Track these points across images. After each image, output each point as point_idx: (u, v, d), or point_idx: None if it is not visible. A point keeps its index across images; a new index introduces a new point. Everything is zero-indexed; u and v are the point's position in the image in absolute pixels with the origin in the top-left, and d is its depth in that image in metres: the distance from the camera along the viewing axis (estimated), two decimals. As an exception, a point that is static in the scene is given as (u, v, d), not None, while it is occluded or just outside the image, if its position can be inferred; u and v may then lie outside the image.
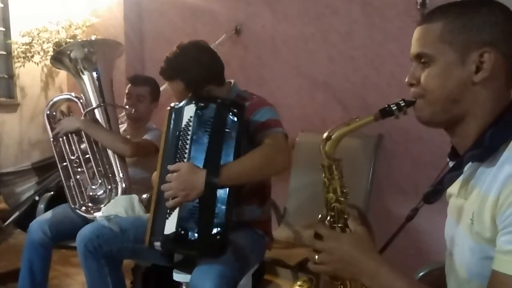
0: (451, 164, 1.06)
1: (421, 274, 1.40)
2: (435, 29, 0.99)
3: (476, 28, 0.96)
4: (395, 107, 1.05)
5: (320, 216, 1.16)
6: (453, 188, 1.04)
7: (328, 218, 1.15)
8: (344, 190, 1.15)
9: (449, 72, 0.98)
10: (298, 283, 1.26)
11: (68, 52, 2.57)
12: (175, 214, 1.76)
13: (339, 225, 1.12)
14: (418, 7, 2.53)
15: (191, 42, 2.01)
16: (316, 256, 1.05)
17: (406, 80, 1.05)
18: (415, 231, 2.59)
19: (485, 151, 0.95)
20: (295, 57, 3.24)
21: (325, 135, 1.13)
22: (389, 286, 0.94)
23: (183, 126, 1.85)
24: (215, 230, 1.72)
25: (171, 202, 1.77)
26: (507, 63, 0.96)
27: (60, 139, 2.57)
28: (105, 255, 1.96)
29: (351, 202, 1.20)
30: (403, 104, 1.05)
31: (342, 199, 1.14)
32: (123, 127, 2.90)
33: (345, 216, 1.13)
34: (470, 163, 0.99)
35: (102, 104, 2.58)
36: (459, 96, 0.98)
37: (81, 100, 2.61)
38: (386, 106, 1.06)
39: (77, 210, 2.52)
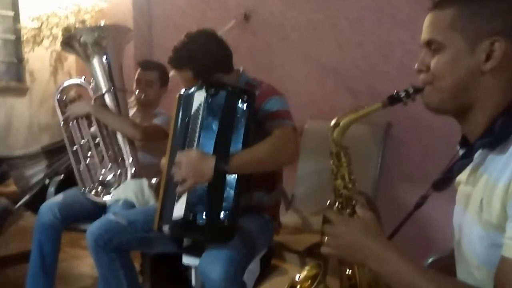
0: (461, 152, 1.06)
1: (429, 261, 1.41)
2: (446, 16, 0.99)
3: (487, 17, 0.95)
4: (404, 94, 1.05)
5: (328, 202, 1.17)
6: (462, 176, 1.04)
7: (336, 204, 1.16)
8: (352, 177, 1.16)
9: (459, 60, 0.98)
10: (307, 268, 1.27)
11: (78, 37, 2.59)
12: (183, 199, 1.78)
13: (347, 211, 1.13)
14: (428, -7, 2.50)
15: (199, 30, 2.01)
16: (325, 239, 1.07)
17: (416, 66, 1.05)
18: (424, 220, 2.59)
19: (495, 139, 0.95)
20: (304, 44, 3.23)
21: (333, 122, 1.14)
22: (396, 270, 0.95)
23: (192, 112, 1.86)
24: (223, 215, 1.74)
25: (180, 187, 1.79)
26: None
27: (70, 123, 2.59)
28: (115, 248, 1.98)
29: (360, 190, 1.21)
30: (412, 91, 1.04)
31: (350, 185, 1.15)
32: (132, 112, 2.92)
33: (353, 202, 1.14)
34: (480, 151, 0.99)
35: (112, 88, 2.60)
36: (468, 85, 0.98)
37: (91, 85, 2.63)
38: (395, 92, 1.06)
39: (87, 194, 2.55)
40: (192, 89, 1.91)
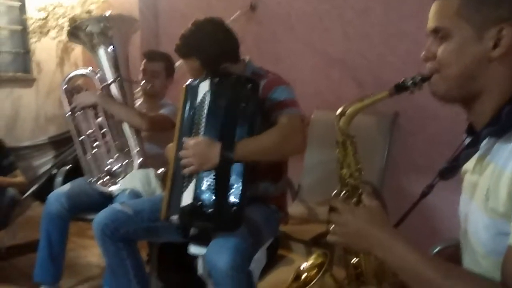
0: (467, 140, 1.06)
1: (435, 251, 1.41)
2: (452, 4, 0.98)
3: (494, 4, 0.95)
4: (411, 82, 1.05)
5: (335, 192, 1.18)
6: (469, 165, 1.04)
7: (342, 193, 1.16)
8: (358, 166, 1.16)
9: (466, 47, 0.97)
10: (313, 257, 1.28)
11: (84, 27, 2.59)
12: (191, 187, 1.79)
13: (353, 200, 1.14)
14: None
15: (206, 19, 2.00)
16: (331, 228, 1.07)
17: (422, 54, 1.05)
18: (430, 210, 2.59)
19: (502, 127, 0.94)
20: (310, 34, 3.22)
21: (339, 110, 1.14)
22: (402, 258, 0.95)
23: (198, 102, 1.86)
24: (230, 203, 1.75)
25: (187, 169, 1.80)
26: None
27: (77, 113, 2.60)
28: (122, 238, 1.99)
29: (366, 180, 1.21)
30: (419, 79, 1.04)
31: (356, 174, 1.15)
32: (138, 102, 2.92)
33: (359, 191, 1.14)
34: (486, 140, 0.98)
35: (118, 78, 2.60)
36: (475, 73, 0.97)
37: (97, 75, 2.63)
38: (401, 81, 1.06)
39: (94, 184, 2.56)
40: (198, 80, 1.91)
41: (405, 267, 0.95)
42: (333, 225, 1.07)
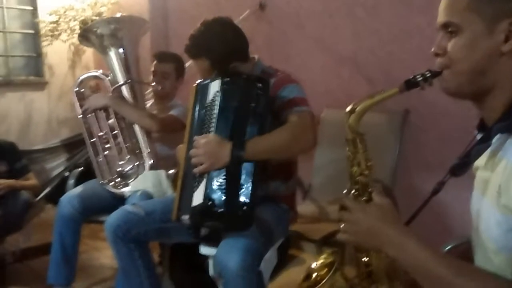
0: (478, 136, 1.05)
1: (447, 248, 1.40)
2: None
3: None
4: (421, 78, 1.03)
5: (345, 190, 1.17)
6: (481, 161, 1.02)
7: (353, 191, 1.15)
8: (369, 164, 1.15)
9: (477, 42, 0.96)
10: (323, 256, 1.27)
11: (95, 29, 2.61)
12: (202, 187, 1.78)
13: (363, 198, 1.13)
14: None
15: (215, 18, 2.00)
16: (342, 226, 1.06)
17: (432, 50, 1.03)
18: (441, 207, 2.57)
19: None
20: (320, 32, 3.21)
21: (349, 108, 1.13)
22: (414, 256, 0.94)
23: (209, 101, 1.87)
24: (241, 202, 1.75)
25: (197, 168, 1.80)
26: None
27: (88, 116, 2.61)
28: (133, 239, 2.00)
29: (377, 178, 1.20)
30: (429, 74, 1.03)
31: (366, 172, 1.14)
32: (149, 104, 2.93)
33: (369, 189, 1.13)
34: (498, 135, 0.97)
35: (129, 80, 2.61)
36: (486, 67, 0.96)
37: (108, 77, 2.65)
38: (411, 77, 1.05)
39: (106, 186, 2.57)
40: (208, 79, 1.91)
41: (417, 264, 0.94)
42: (343, 224, 1.07)
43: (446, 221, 2.63)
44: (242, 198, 1.75)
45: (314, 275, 1.24)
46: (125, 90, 2.64)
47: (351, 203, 1.08)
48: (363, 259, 1.16)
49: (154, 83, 2.80)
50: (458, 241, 1.35)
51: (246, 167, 1.77)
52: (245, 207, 1.74)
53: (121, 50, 2.61)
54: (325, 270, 1.23)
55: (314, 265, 1.26)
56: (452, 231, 2.64)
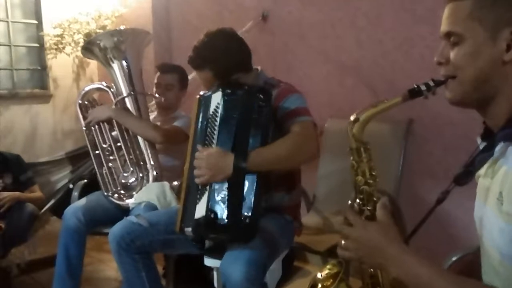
0: (482, 145, 1.04)
1: (453, 259, 1.38)
2: (464, 7, 0.97)
3: (507, 5, 0.93)
4: (424, 87, 1.03)
5: (349, 201, 1.16)
6: (482, 169, 1.02)
7: (357, 201, 1.14)
8: (373, 173, 1.15)
9: (479, 50, 0.96)
10: (328, 266, 1.26)
11: (98, 42, 2.62)
12: (204, 199, 1.78)
13: (368, 207, 1.12)
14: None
15: (218, 30, 2.01)
16: (343, 242, 1.06)
17: (435, 59, 1.03)
18: (446, 217, 2.55)
19: None
20: (322, 43, 3.22)
21: (352, 117, 1.12)
22: (416, 274, 0.94)
23: (211, 113, 1.87)
24: (244, 214, 1.73)
25: (199, 180, 1.79)
26: None
27: (92, 128, 2.62)
28: (138, 250, 1.99)
29: (382, 188, 1.19)
30: (432, 84, 1.03)
31: (371, 181, 1.14)
32: (153, 115, 2.94)
33: (374, 199, 1.12)
34: (501, 144, 0.97)
35: (132, 92, 2.62)
36: (490, 75, 0.96)
37: (111, 89, 2.66)
38: (415, 86, 1.04)
39: (110, 198, 2.57)
40: (211, 91, 1.92)
41: (419, 282, 0.94)
42: (345, 240, 1.06)
43: (451, 230, 2.61)
44: (245, 210, 1.73)
45: (319, 285, 1.23)
46: (128, 102, 2.64)
47: (354, 218, 1.07)
48: (368, 270, 1.15)
49: (157, 95, 2.80)
50: (463, 252, 1.34)
51: (249, 179, 1.76)
52: (248, 219, 1.73)
53: (124, 62, 2.62)
54: (330, 281, 1.22)
55: (319, 275, 1.25)
56: (457, 240, 2.62)
